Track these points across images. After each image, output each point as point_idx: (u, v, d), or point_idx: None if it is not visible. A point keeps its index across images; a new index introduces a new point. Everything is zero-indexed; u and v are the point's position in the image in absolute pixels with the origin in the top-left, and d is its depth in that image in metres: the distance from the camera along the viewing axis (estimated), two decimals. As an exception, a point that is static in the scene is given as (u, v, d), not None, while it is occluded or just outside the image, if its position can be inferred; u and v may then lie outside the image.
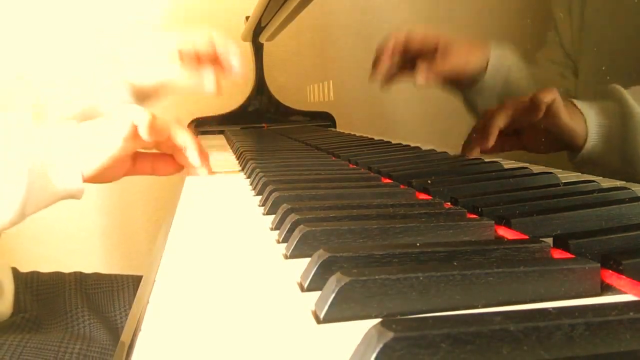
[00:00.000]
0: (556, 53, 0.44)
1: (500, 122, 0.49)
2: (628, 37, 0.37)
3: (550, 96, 0.42)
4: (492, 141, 0.50)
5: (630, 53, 0.37)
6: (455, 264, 0.25)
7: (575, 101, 0.41)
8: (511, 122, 0.49)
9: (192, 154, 0.64)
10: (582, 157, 0.41)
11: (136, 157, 0.67)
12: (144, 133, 0.58)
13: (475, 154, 0.55)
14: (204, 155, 0.65)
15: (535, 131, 0.45)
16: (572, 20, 0.42)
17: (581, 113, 0.40)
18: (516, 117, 0.48)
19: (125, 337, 0.28)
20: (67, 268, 0.94)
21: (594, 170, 0.41)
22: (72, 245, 1.64)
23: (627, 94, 0.36)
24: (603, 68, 0.39)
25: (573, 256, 0.28)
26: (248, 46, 1.49)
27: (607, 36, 0.39)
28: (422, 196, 0.46)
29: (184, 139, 0.64)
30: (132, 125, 0.58)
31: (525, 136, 0.48)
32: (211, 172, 0.66)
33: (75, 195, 0.60)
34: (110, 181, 0.66)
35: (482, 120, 0.52)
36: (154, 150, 0.68)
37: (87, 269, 0.95)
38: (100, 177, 0.62)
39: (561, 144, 0.43)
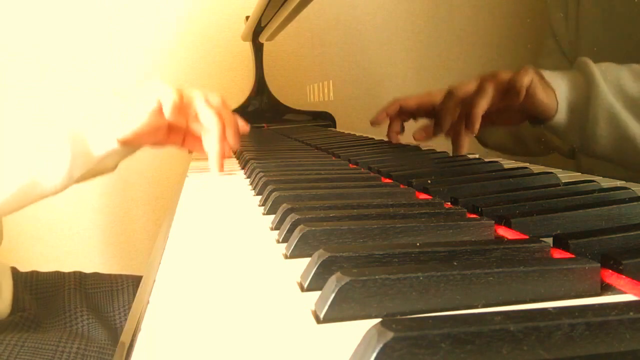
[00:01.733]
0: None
1: (483, 106, 0.50)
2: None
3: (528, 78, 0.43)
4: (476, 125, 0.51)
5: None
6: (455, 263, 0.25)
7: (545, 73, 0.42)
8: (491, 106, 0.49)
9: (211, 141, 0.65)
10: (548, 127, 0.41)
11: (171, 127, 0.69)
12: (167, 112, 0.61)
13: (464, 145, 0.56)
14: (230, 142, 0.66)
15: (510, 109, 0.46)
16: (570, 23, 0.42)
17: (551, 88, 0.41)
18: (496, 101, 0.49)
19: (125, 337, 0.28)
20: (67, 268, 0.94)
21: (600, 169, 0.41)
22: (72, 245, 1.64)
23: (594, 67, 0.37)
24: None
25: (573, 256, 0.28)
26: (248, 46, 1.49)
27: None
28: (422, 196, 0.46)
29: (208, 120, 0.64)
30: (158, 102, 0.61)
31: (499, 113, 0.49)
32: (222, 169, 0.66)
33: (111, 157, 0.64)
34: (147, 145, 0.69)
35: (465, 106, 0.53)
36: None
37: (87, 269, 0.95)
38: (135, 143, 0.66)
39: (531, 116, 0.44)
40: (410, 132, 0.74)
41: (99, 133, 0.62)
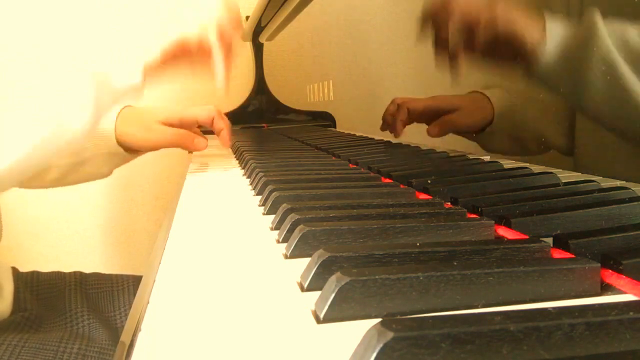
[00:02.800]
0: None
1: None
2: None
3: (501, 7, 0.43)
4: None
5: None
6: (455, 263, 0.25)
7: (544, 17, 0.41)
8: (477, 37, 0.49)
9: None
10: (540, 70, 0.41)
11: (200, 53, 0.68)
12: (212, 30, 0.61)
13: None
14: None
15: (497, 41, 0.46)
16: None
17: (541, 19, 0.40)
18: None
19: (125, 337, 0.28)
20: (67, 267, 0.94)
21: (600, 169, 0.41)
22: (73, 245, 1.64)
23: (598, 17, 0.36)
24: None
25: (573, 256, 0.28)
26: (248, 46, 1.49)
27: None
28: (422, 196, 0.46)
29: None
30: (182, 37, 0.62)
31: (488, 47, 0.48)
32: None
33: (135, 91, 0.63)
34: (176, 77, 0.69)
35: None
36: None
37: (88, 269, 0.95)
38: (163, 75, 0.66)
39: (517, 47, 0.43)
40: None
41: (120, 63, 0.61)
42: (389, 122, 0.78)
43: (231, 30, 0.65)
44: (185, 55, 0.67)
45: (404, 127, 0.76)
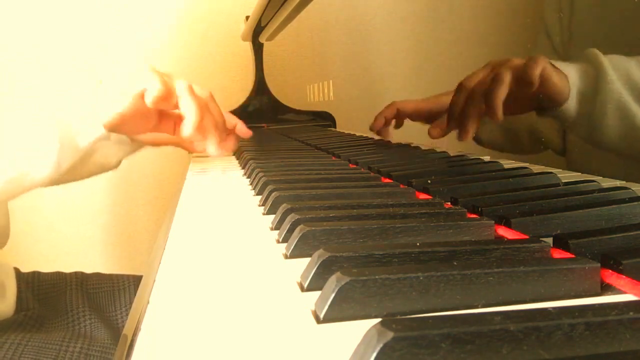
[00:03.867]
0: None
1: (502, 94, 0.49)
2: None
3: (542, 63, 0.43)
4: (499, 112, 0.50)
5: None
6: (455, 263, 0.25)
7: (556, 63, 0.42)
8: (509, 94, 0.49)
9: (186, 125, 0.62)
10: (558, 113, 0.41)
11: (162, 115, 0.68)
12: (148, 99, 0.59)
13: (470, 132, 0.56)
14: (219, 133, 0.65)
15: (524, 95, 0.46)
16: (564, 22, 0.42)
17: (564, 73, 0.41)
18: (513, 88, 0.48)
19: (125, 336, 0.28)
20: (67, 268, 0.94)
21: (600, 169, 0.41)
22: (73, 245, 1.64)
23: (604, 58, 0.37)
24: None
25: (573, 256, 0.28)
26: (248, 46, 1.49)
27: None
28: (422, 196, 0.46)
29: (187, 107, 0.62)
30: (143, 88, 0.60)
31: (514, 100, 0.48)
32: (194, 151, 0.66)
33: (111, 162, 0.63)
34: (137, 134, 0.68)
35: (483, 96, 0.53)
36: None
37: (88, 269, 0.95)
38: (123, 129, 0.64)
39: (544, 102, 0.44)
40: (410, 132, 0.74)
41: (83, 120, 0.60)
42: (379, 124, 0.79)
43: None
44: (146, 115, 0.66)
45: (389, 126, 0.77)
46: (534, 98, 0.44)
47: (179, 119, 0.68)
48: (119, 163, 0.69)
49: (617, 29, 0.37)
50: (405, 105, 0.73)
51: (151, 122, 0.67)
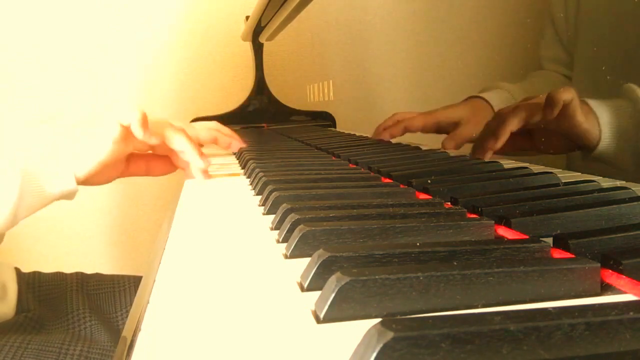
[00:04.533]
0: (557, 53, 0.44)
1: (514, 123, 0.49)
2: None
3: (568, 95, 0.42)
4: (502, 142, 0.50)
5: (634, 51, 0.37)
6: (455, 263, 0.25)
7: (588, 100, 0.41)
8: (525, 123, 0.48)
9: (192, 158, 0.62)
10: (594, 157, 0.41)
11: (130, 158, 0.67)
12: (137, 131, 0.57)
13: (487, 155, 0.55)
14: (203, 157, 0.63)
15: (548, 131, 0.45)
16: (570, 20, 0.42)
17: (594, 112, 0.40)
18: (531, 118, 0.48)
19: (125, 336, 0.28)
20: (68, 268, 0.94)
21: (600, 169, 0.41)
22: (73, 245, 1.64)
23: None
24: (603, 68, 0.39)
25: (573, 256, 0.28)
26: (248, 46, 1.49)
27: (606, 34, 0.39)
28: (422, 196, 0.46)
29: (180, 143, 0.62)
30: (121, 127, 0.57)
31: (538, 136, 0.48)
32: (208, 176, 0.65)
33: (68, 197, 0.60)
34: (104, 183, 0.66)
35: (495, 120, 0.52)
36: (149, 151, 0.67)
37: (89, 269, 0.95)
38: (93, 180, 0.62)
39: (573, 144, 0.43)
40: (409, 133, 0.74)
41: (54, 171, 0.57)
42: (385, 137, 0.79)
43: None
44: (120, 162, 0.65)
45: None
46: (562, 134, 0.43)
47: (150, 158, 0.67)
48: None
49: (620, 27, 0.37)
50: (412, 123, 0.72)
51: (120, 167, 0.66)
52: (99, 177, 0.63)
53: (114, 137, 0.57)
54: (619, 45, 0.37)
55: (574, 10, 0.41)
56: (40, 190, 0.57)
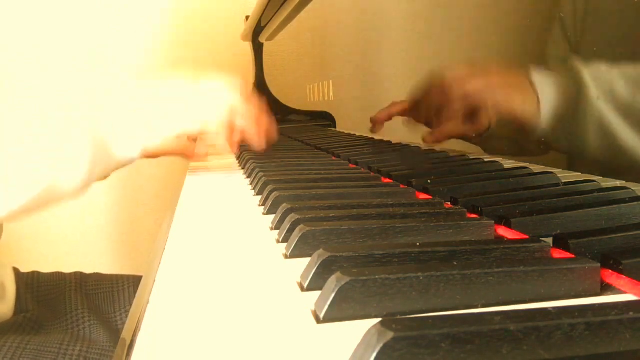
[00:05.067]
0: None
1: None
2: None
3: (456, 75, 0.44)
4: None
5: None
6: (455, 263, 0.25)
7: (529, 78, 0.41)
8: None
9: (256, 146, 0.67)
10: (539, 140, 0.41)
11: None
12: (241, 121, 0.63)
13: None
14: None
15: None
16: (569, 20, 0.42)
17: (533, 90, 0.40)
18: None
19: (125, 336, 0.28)
20: (67, 267, 0.94)
21: (600, 169, 0.41)
22: (73, 245, 1.64)
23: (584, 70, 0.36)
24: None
25: (573, 256, 0.28)
26: (248, 46, 1.49)
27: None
28: (422, 196, 0.46)
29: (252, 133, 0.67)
30: (229, 115, 0.62)
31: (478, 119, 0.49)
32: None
33: (128, 164, 0.63)
34: (165, 155, 0.70)
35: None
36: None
37: (88, 269, 0.95)
38: (161, 152, 0.67)
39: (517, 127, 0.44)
40: (410, 132, 0.74)
41: (124, 140, 0.59)
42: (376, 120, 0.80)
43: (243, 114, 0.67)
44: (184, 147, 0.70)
45: (383, 122, 0.78)
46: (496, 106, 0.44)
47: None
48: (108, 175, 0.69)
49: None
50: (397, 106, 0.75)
51: (181, 147, 0.70)
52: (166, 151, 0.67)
53: (217, 118, 0.62)
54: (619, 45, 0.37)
55: (575, 12, 0.42)
56: (108, 154, 0.59)
